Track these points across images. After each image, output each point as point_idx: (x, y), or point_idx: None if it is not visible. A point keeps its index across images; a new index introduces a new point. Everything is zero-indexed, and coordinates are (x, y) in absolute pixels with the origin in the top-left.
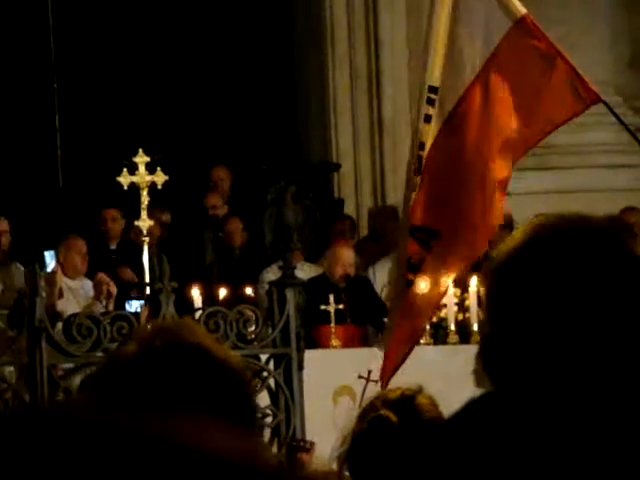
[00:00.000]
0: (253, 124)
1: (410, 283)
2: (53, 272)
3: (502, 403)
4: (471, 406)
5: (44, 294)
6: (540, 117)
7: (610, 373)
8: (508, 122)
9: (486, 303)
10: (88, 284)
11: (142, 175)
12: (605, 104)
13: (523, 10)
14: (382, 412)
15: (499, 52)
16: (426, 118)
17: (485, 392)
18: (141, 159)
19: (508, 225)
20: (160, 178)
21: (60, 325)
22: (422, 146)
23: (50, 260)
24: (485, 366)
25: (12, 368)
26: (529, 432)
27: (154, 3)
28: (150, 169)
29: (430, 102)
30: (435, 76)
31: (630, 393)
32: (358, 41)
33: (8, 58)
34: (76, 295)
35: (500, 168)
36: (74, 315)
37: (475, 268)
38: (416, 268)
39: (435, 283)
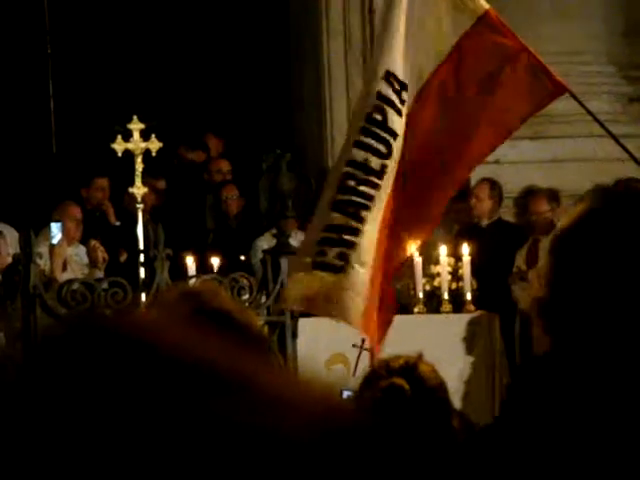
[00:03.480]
0: (247, 92)
1: None
2: (59, 244)
3: (558, 365)
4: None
5: (38, 261)
6: (507, 111)
7: None
8: (473, 118)
9: (548, 271)
10: (82, 250)
11: (136, 142)
12: (571, 94)
13: (486, 5)
14: (395, 380)
15: (461, 47)
16: (394, 107)
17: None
18: (135, 126)
19: (498, 194)
20: (154, 145)
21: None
22: (394, 134)
23: (56, 232)
24: (546, 328)
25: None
26: (585, 392)
27: None
28: (145, 136)
29: (396, 91)
30: (398, 64)
31: None
32: (352, 10)
33: (1, 23)
34: (71, 262)
35: (461, 167)
36: (69, 281)
37: (467, 236)
38: None
39: (402, 248)
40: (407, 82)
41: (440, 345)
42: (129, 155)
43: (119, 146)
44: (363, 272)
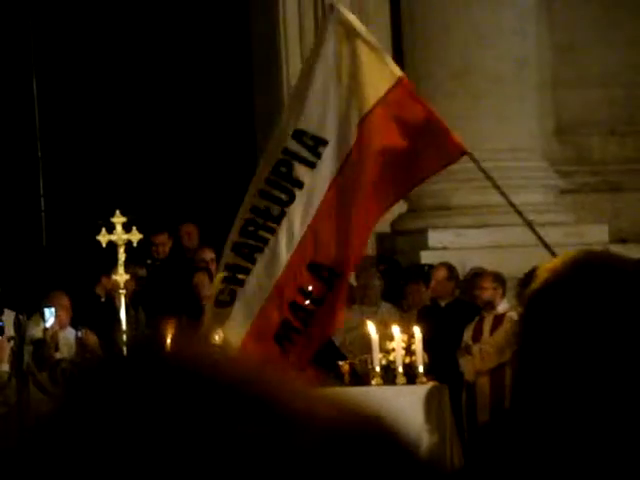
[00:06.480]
0: (220, 184)
1: (310, 312)
2: (52, 328)
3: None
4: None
5: (36, 341)
6: (416, 168)
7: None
8: (386, 173)
9: (519, 330)
10: (71, 332)
11: (119, 234)
12: (470, 155)
13: (400, 72)
14: None
15: (378, 110)
16: (303, 160)
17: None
18: (118, 219)
19: (454, 276)
20: (135, 236)
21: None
22: (299, 184)
23: (49, 316)
24: (516, 393)
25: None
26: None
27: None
28: (126, 228)
29: (307, 147)
30: (309, 122)
31: None
32: None
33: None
34: (61, 343)
35: (374, 213)
36: (59, 361)
37: (427, 316)
38: (318, 302)
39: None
40: (327, 138)
41: (395, 412)
42: (112, 246)
43: (103, 238)
44: (249, 305)
